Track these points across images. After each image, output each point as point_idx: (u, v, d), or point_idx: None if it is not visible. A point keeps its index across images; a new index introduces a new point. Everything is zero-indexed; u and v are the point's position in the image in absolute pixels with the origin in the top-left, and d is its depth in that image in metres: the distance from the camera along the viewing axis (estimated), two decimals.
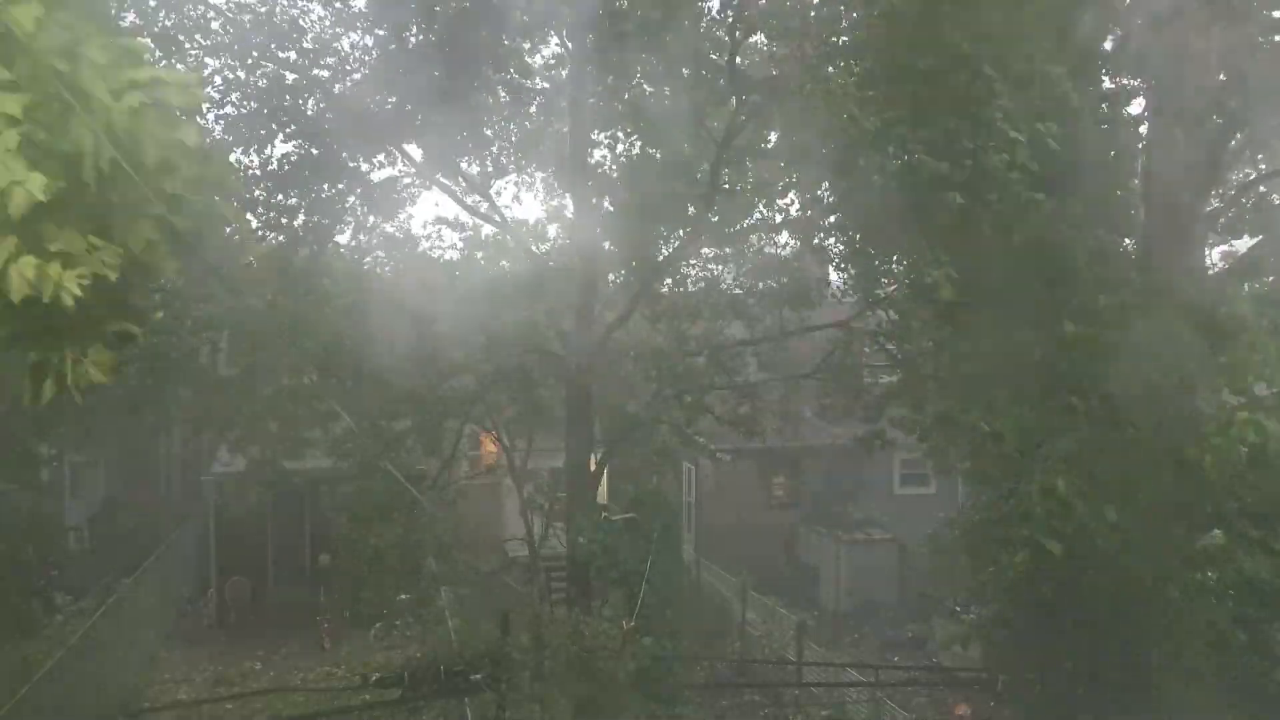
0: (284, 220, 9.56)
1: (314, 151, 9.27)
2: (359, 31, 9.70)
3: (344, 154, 9.32)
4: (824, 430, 18.14)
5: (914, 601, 16.08)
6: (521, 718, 10.20)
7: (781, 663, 14.06)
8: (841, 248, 10.20)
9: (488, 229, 11.81)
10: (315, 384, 9.13)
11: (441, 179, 10.70)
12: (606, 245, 10.68)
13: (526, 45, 9.21)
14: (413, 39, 8.94)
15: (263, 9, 9.76)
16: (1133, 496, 7.84)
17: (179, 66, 9.76)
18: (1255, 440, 7.17)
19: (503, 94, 9.93)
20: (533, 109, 10.40)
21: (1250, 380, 7.98)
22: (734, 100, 10.07)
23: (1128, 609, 8.46)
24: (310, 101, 9.84)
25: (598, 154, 11.06)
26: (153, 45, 9.41)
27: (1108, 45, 9.63)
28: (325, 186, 9.50)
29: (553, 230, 12.25)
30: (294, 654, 15.98)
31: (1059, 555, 7.40)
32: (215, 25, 9.76)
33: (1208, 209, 10.52)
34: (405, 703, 9.76)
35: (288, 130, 9.64)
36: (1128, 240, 9.91)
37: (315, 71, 9.74)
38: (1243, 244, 11.68)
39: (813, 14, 8.14)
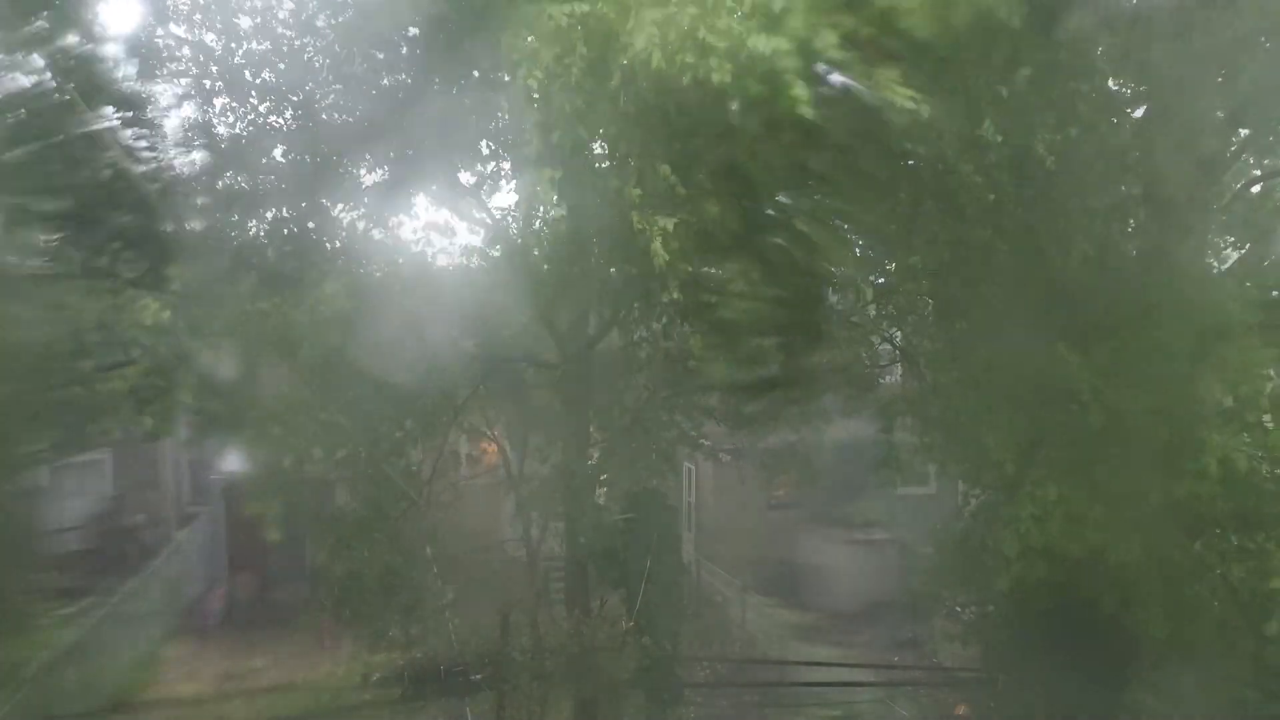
0: (278, 226, 9.65)
1: (308, 159, 9.35)
2: (342, 45, 9.77)
3: (335, 163, 9.38)
4: (826, 430, 18.12)
5: (914, 601, 16.09)
6: (521, 718, 10.26)
7: (782, 663, 14.10)
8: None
9: (483, 234, 11.88)
10: (312, 390, 9.22)
11: (434, 186, 10.77)
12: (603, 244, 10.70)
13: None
14: (401, 46, 9.02)
15: (245, 32, 9.93)
16: (1130, 501, 7.85)
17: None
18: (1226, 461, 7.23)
19: (493, 97, 9.99)
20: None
21: (1244, 384, 7.98)
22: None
23: (1127, 610, 8.47)
24: (297, 115, 9.94)
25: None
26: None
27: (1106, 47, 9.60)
28: (320, 199, 9.59)
29: (548, 232, 12.23)
30: (296, 653, 16.09)
31: (1047, 567, 7.43)
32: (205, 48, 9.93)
33: (1208, 210, 10.48)
34: (405, 703, 9.82)
35: (278, 145, 9.76)
36: (1127, 244, 9.89)
37: (303, 88, 9.84)
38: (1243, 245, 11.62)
39: None
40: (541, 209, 6.84)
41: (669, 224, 6.55)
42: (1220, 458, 7.57)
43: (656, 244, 6.40)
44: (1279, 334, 8.53)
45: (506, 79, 6.75)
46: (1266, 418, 8.24)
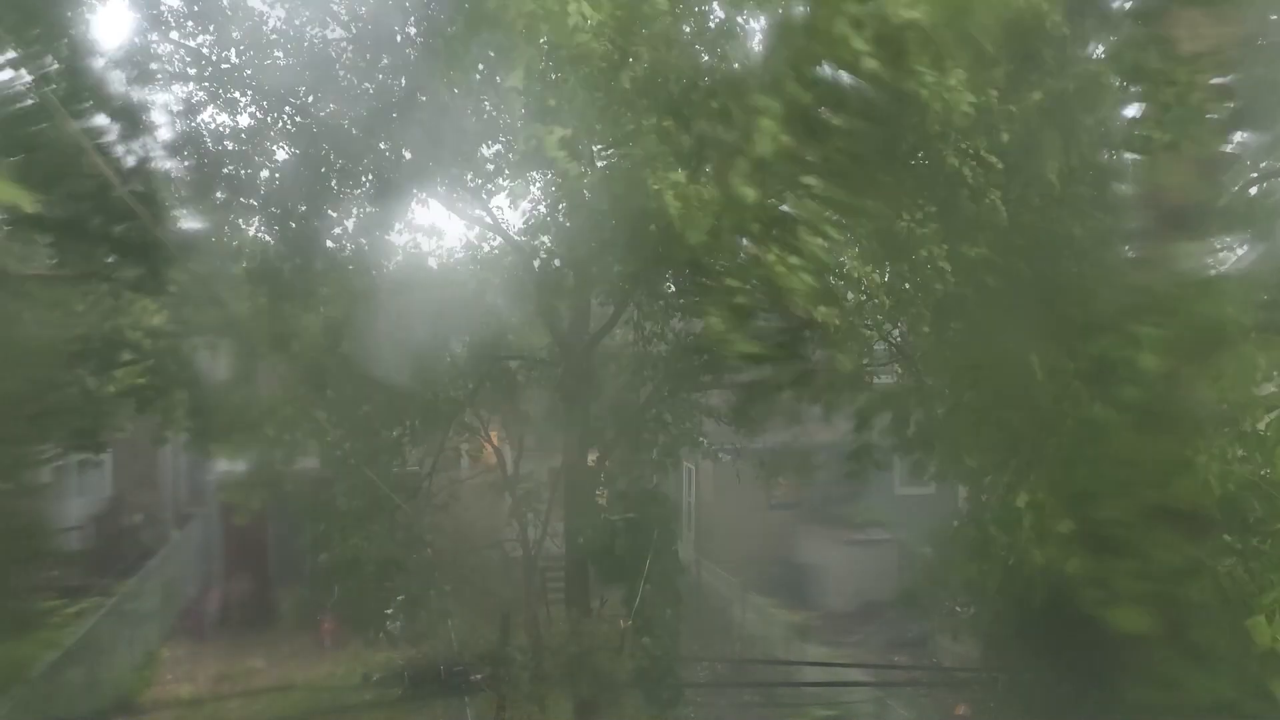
0: (275, 228, 9.65)
1: (308, 159, 9.35)
2: (346, 46, 9.77)
3: (334, 164, 9.38)
4: (825, 430, 18.11)
5: (914, 601, 16.10)
6: (521, 718, 10.27)
7: (781, 663, 14.11)
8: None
9: (483, 236, 11.89)
10: (311, 389, 9.22)
11: (436, 189, 10.78)
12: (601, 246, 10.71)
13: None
14: (405, 50, 9.02)
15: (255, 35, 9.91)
16: (1129, 500, 7.83)
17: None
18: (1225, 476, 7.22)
19: (495, 101, 9.99)
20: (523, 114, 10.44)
21: (1239, 388, 7.97)
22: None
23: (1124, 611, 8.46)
24: (295, 117, 9.94)
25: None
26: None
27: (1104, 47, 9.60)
28: (320, 200, 9.58)
29: (548, 234, 12.28)
30: (295, 653, 16.09)
31: (1044, 563, 7.41)
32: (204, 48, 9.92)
33: (1207, 210, 10.48)
34: (405, 703, 9.82)
35: (280, 145, 9.76)
36: (1127, 244, 9.89)
37: (305, 90, 9.84)
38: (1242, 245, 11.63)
39: None
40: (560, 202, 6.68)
41: (680, 177, 6.31)
42: (1214, 463, 7.55)
43: (669, 196, 6.20)
44: (1275, 338, 8.53)
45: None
46: (1260, 424, 8.23)
